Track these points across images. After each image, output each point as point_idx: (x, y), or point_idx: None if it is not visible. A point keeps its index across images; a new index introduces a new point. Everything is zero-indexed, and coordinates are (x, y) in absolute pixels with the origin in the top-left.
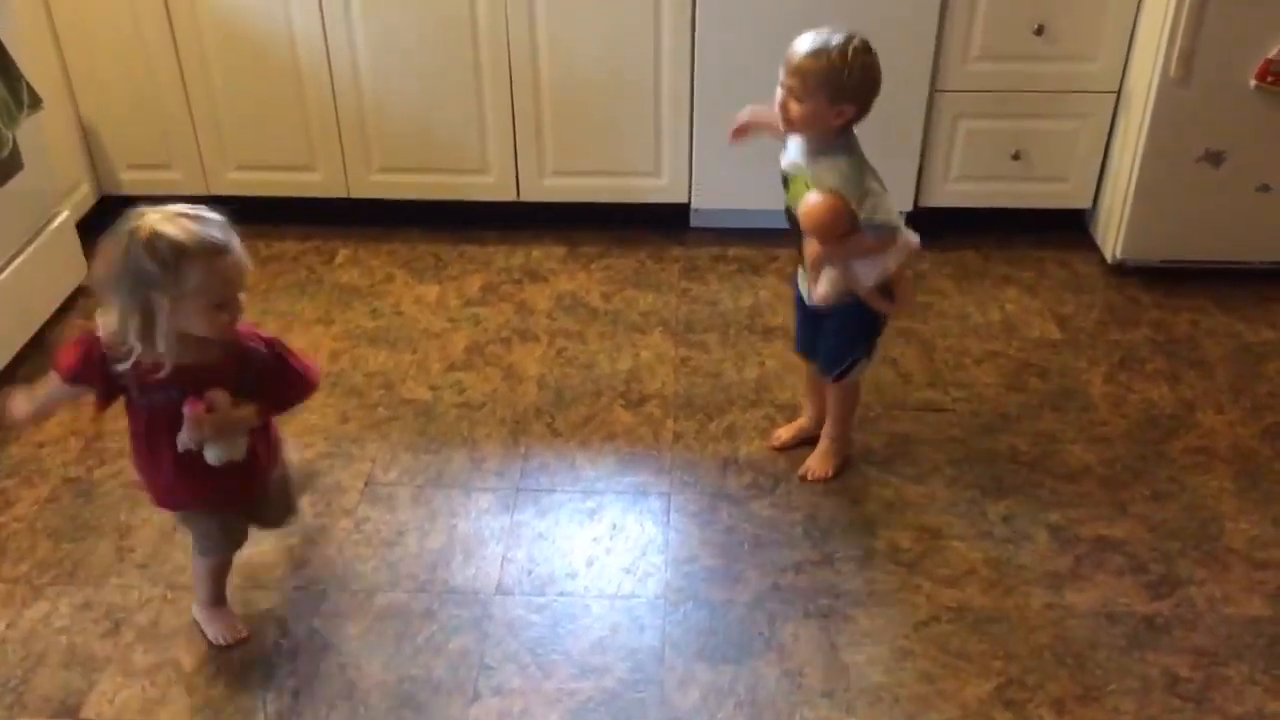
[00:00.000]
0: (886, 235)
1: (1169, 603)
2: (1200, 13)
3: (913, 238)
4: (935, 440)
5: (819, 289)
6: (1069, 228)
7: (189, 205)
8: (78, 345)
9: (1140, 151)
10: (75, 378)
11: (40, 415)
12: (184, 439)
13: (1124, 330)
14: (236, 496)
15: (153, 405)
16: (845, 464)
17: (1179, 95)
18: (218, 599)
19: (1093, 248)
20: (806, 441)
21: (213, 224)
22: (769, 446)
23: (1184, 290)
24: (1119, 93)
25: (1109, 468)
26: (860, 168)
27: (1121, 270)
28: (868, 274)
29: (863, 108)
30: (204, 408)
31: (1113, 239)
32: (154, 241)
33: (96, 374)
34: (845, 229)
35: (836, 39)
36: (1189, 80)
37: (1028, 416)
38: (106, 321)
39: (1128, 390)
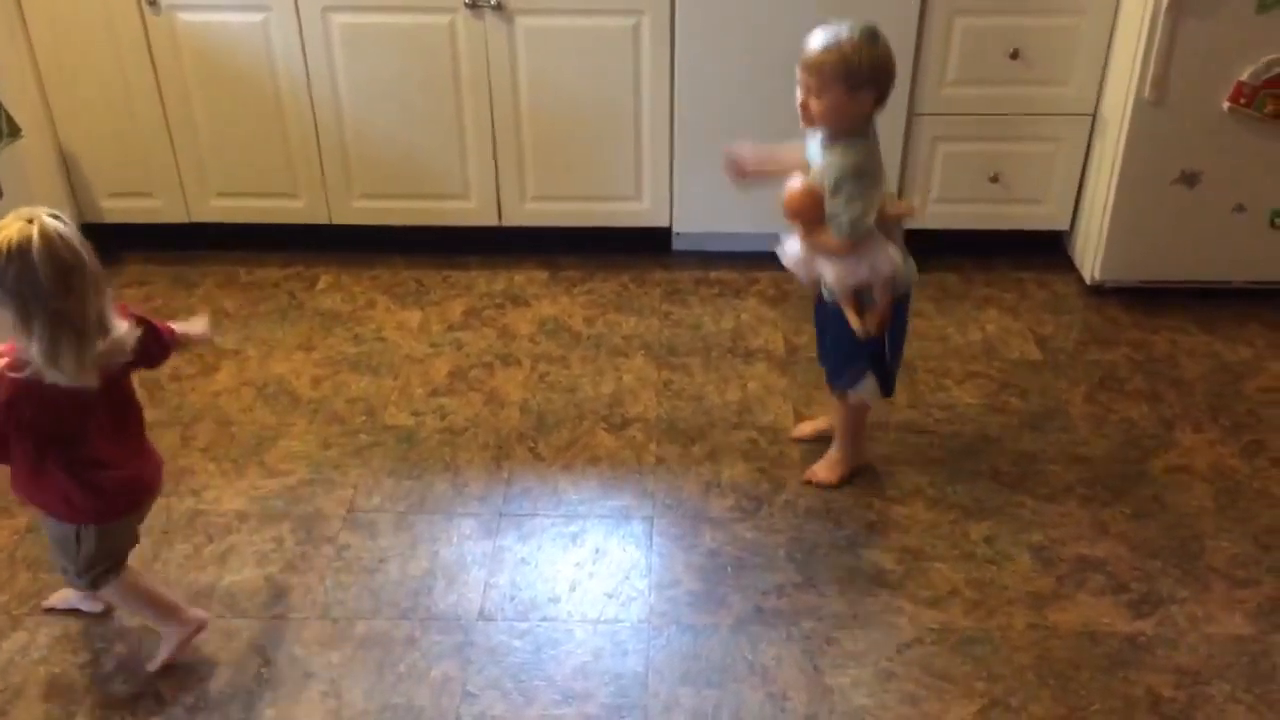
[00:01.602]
0: (846, 235)
1: (1151, 622)
2: (1172, 36)
3: (889, 261)
4: (917, 461)
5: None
6: (1048, 249)
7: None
8: None
9: (1116, 173)
10: None
11: None
12: None
13: (1103, 350)
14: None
15: None
16: (852, 476)
17: (1153, 117)
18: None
19: (1071, 269)
20: (824, 439)
21: None
22: (790, 437)
23: (1162, 310)
24: (1094, 115)
25: (1090, 487)
26: (858, 163)
27: (1100, 291)
28: (835, 273)
29: (880, 94)
30: None
31: (1091, 260)
32: None
33: None
34: (815, 217)
35: (845, 31)
36: (1163, 103)
37: (1008, 437)
38: None
39: (1108, 410)
